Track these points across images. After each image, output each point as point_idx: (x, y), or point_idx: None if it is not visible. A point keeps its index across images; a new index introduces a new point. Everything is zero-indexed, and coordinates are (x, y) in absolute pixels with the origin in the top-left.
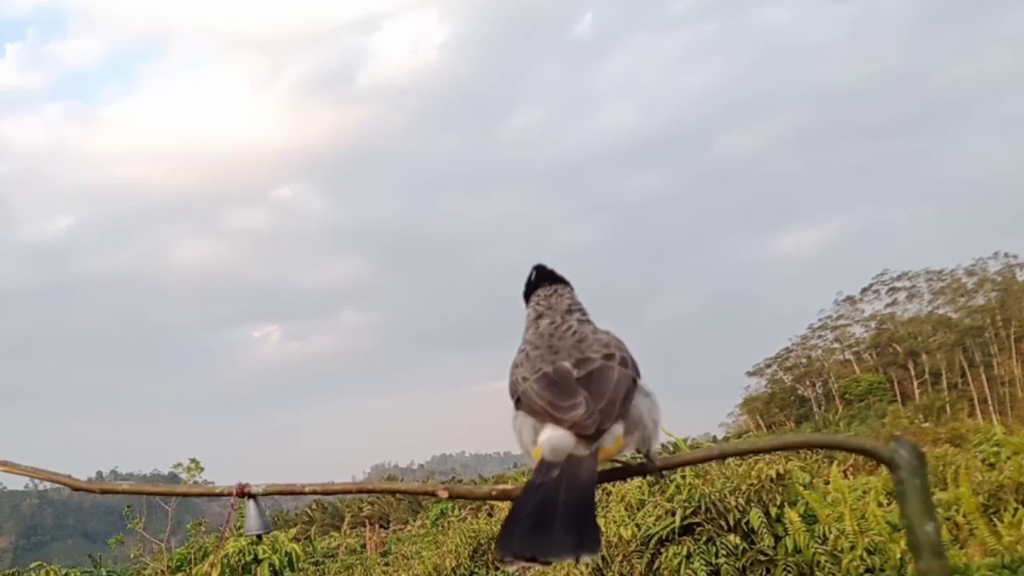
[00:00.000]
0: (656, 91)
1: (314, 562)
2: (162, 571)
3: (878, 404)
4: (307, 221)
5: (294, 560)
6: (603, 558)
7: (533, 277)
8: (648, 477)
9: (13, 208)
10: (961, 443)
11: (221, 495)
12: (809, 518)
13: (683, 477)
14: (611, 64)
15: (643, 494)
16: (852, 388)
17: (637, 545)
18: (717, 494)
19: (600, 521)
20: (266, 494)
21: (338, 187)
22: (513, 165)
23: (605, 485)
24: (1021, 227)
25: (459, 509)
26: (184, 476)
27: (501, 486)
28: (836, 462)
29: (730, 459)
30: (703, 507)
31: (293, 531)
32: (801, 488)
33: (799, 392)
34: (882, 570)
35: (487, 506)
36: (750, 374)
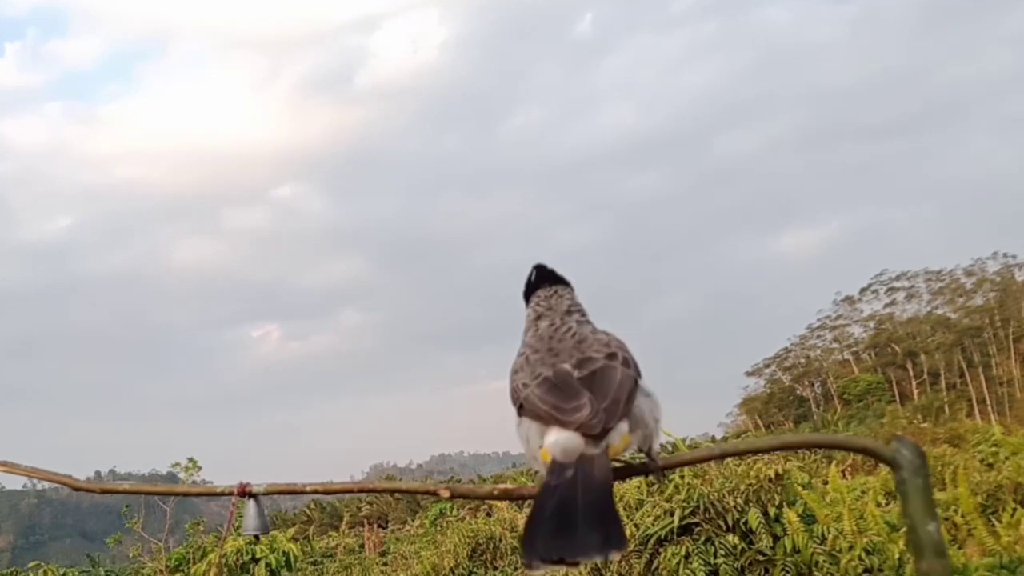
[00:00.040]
0: (656, 91)
1: (312, 562)
2: (160, 571)
3: (877, 404)
4: (307, 221)
5: (291, 560)
6: None
7: (533, 277)
8: (649, 477)
9: (13, 208)
10: (959, 443)
11: (222, 495)
12: (808, 518)
13: (681, 477)
14: (611, 64)
15: (641, 494)
16: (851, 388)
17: (636, 545)
18: (716, 494)
19: None
20: (267, 493)
21: (338, 187)
22: (513, 165)
23: None
24: (1021, 227)
25: (457, 509)
26: (182, 476)
27: (502, 486)
28: (835, 462)
29: (728, 459)
30: (701, 507)
31: (291, 531)
32: (800, 488)
33: (798, 392)
34: (880, 570)
35: (486, 506)
36: (749, 374)
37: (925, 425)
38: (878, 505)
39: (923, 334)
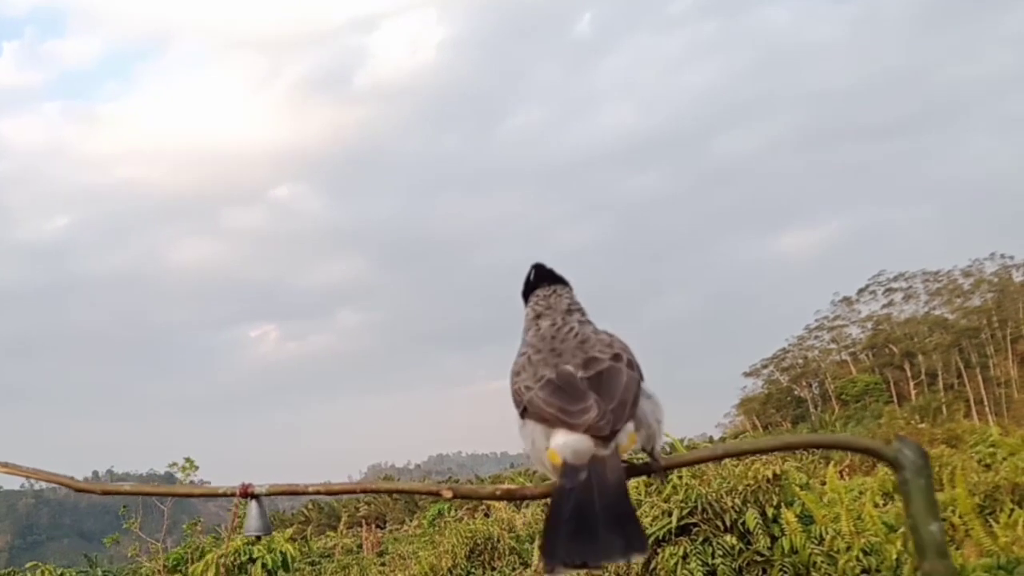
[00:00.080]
0: (656, 91)
1: (310, 562)
2: (158, 571)
3: (874, 405)
4: (306, 221)
5: (288, 560)
6: None
7: (532, 277)
8: (650, 476)
9: (11, 207)
10: (957, 444)
11: (224, 495)
12: (806, 519)
13: (680, 478)
14: (611, 64)
15: (639, 494)
16: (848, 389)
17: None
18: (714, 495)
19: None
20: (269, 494)
21: (337, 187)
22: (513, 165)
23: None
24: (1021, 227)
25: (456, 510)
26: (179, 476)
27: (505, 486)
28: (832, 463)
29: (727, 460)
30: (700, 507)
31: (289, 531)
32: (797, 489)
33: (795, 393)
34: (878, 571)
35: (484, 507)
36: (747, 375)
37: (923, 426)
38: (876, 506)
39: (921, 335)
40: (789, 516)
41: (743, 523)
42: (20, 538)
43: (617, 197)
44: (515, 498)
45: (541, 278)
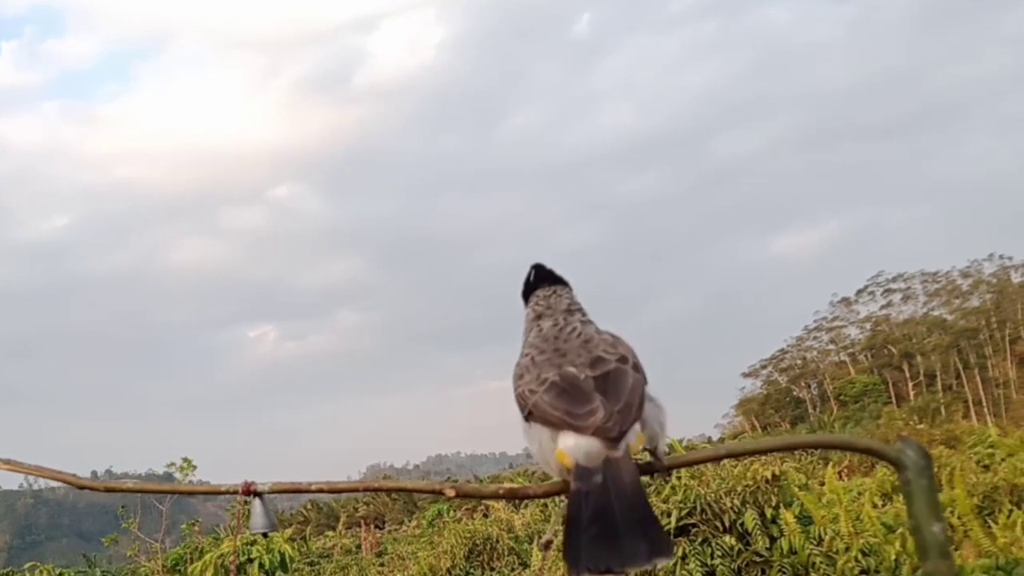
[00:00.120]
0: (656, 91)
1: (309, 562)
2: (157, 571)
3: (873, 405)
4: (305, 221)
5: (287, 561)
6: None
7: (532, 277)
8: (653, 476)
9: (10, 207)
10: (956, 445)
11: (227, 493)
12: (804, 519)
13: (679, 478)
14: (610, 64)
15: None
16: (847, 389)
17: None
18: (712, 495)
19: None
20: (272, 492)
21: (336, 187)
22: (513, 165)
23: None
24: (1020, 228)
25: (454, 510)
26: (178, 476)
27: (508, 485)
28: (831, 463)
29: (725, 460)
30: (699, 508)
31: (288, 531)
32: (796, 489)
33: (794, 393)
34: (877, 571)
35: (483, 507)
36: (745, 375)
37: (921, 427)
38: (874, 506)
39: (919, 336)
40: (788, 517)
41: (742, 524)
42: (19, 538)
43: (617, 197)
44: (518, 497)
45: (541, 279)
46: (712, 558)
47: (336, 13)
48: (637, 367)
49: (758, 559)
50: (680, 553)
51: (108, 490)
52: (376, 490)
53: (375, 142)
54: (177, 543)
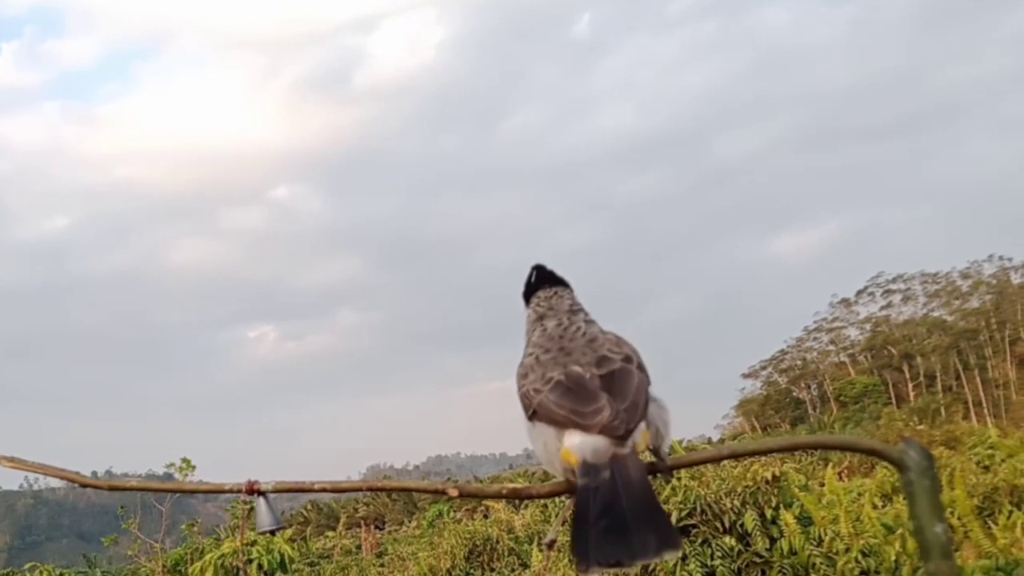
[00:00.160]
0: (655, 91)
1: (309, 563)
2: (157, 571)
3: (873, 406)
4: (304, 221)
5: (286, 561)
6: None
7: (533, 278)
8: (656, 476)
9: (10, 207)
10: (956, 446)
11: (231, 492)
12: (804, 520)
13: (679, 479)
14: (610, 64)
15: None
16: (847, 390)
17: None
18: (712, 496)
19: None
20: (275, 491)
21: (336, 187)
22: (513, 165)
23: None
24: (1020, 229)
25: (455, 511)
26: (177, 476)
27: (511, 485)
28: (831, 464)
29: (725, 461)
30: (698, 509)
31: (288, 532)
32: (796, 490)
33: (794, 394)
34: (877, 572)
35: (483, 508)
36: (745, 376)
37: (921, 428)
38: (874, 507)
39: (919, 336)
40: (788, 517)
41: (742, 524)
42: (19, 538)
43: (617, 197)
44: (521, 497)
45: (542, 280)
46: (712, 559)
47: (336, 13)
48: (641, 367)
49: (758, 560)
50: (680, 554)
51: (111, 488)
52: (379, 490)
53: (375, 142)
54: (177, 543)
